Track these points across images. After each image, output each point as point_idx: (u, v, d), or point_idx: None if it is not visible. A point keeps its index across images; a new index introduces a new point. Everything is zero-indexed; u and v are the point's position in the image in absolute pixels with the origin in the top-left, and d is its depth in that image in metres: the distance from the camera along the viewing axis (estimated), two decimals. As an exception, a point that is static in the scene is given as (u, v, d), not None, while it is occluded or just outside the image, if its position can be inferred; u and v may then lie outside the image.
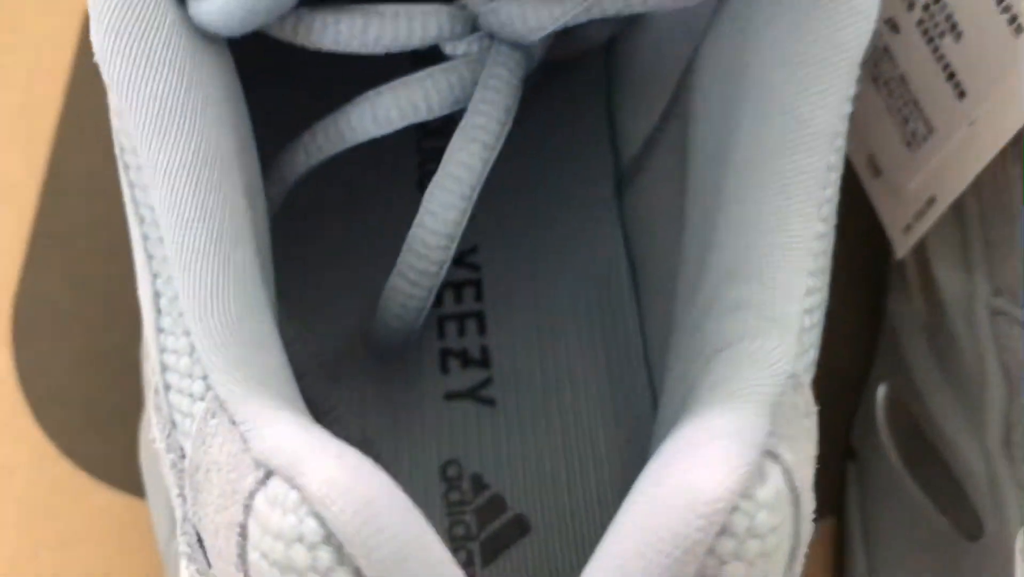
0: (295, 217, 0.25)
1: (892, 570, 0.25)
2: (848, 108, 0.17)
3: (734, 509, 0.12)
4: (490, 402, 0.24)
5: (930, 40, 0.23)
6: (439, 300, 0.25)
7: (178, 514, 0.16)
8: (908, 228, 0.25)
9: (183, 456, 0.15)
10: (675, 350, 0.19)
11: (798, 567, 0.14)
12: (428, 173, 0.25)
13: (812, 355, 0.17)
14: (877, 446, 0.26)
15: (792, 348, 0.16)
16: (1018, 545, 0.20)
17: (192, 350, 0.16)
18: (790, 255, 0.16)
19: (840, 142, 0.17)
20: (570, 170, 0.26)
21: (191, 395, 0.16)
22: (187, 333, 0.16)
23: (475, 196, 0.19)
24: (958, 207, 0.25)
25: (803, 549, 0.14)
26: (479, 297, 0.25)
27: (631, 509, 0.13)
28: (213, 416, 0.15)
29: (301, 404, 0.16)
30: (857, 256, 0.29)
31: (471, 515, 0.23)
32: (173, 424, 0.16)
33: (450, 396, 0.24)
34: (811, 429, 0.16)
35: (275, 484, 0.13)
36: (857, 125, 0.27)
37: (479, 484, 0.23)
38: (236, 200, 0.17)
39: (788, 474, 0.14)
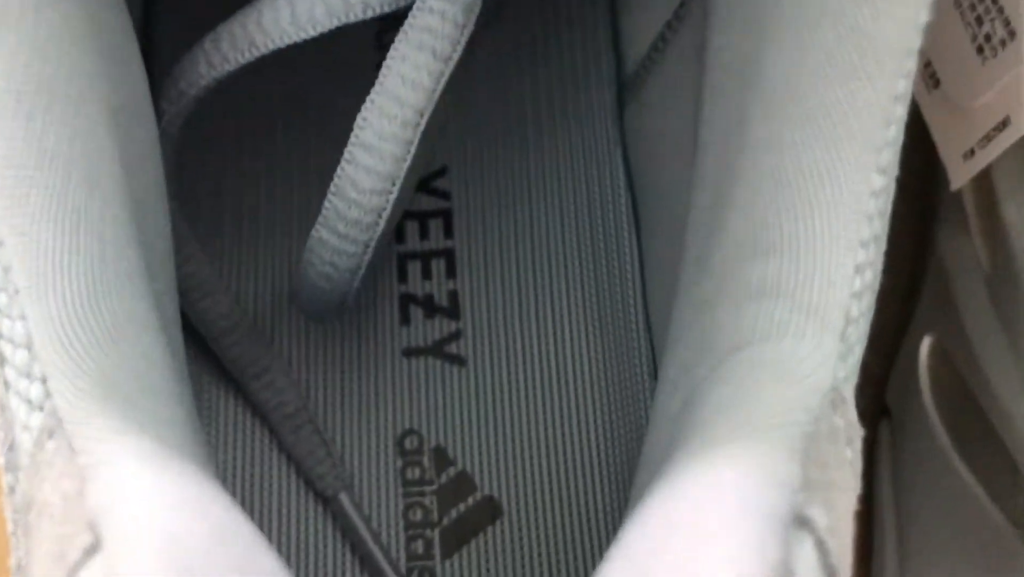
0: (211, 143, 0.20)
1: (925, 551, 0.22)
2: (926, 16, 0.12)
3: None
4: (459, 360, 0.20)
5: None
6: (400, 235, 0.21)
7: (12, 561, 0.12)
8: (970, 154, 0.21)
9: (14, 486, 0.12)
10: (679, 324, 0.15)
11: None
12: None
13: (858, 354, 0.12)
14: (917, 409, 0.22)
15: (833, 351, 0.12)
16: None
17: (30, 341, 0.12)
18: (836, 219, 0.12)
19: (912, 64, 0.12)
20: (562, 76, 0.21)
21: (29, 401, 0.12)
22: (23, 317, 0.12)
23: (423, 123, 0.14)
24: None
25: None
26: (448, 232, 0.21)
27: None
28: (51, 436, 0.11)
29: (183, 414, 0.12)
30: (904, 184, 0.24)
31: (432, 497, 0.19)
32: (13, 438, 0.12)
33: (411, 352, 0.20)
34: (854, 461, 0.12)
35: (101, 562, 0.10)
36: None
37: (443, 459, 0.19)
38: (94, 131, 0.13)
39: (822, 547, 0.10)
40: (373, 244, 0.15)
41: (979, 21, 0.20)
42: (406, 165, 0.14)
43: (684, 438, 0.12)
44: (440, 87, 0.14)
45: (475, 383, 0.20)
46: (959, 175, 0.21)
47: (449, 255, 0.21)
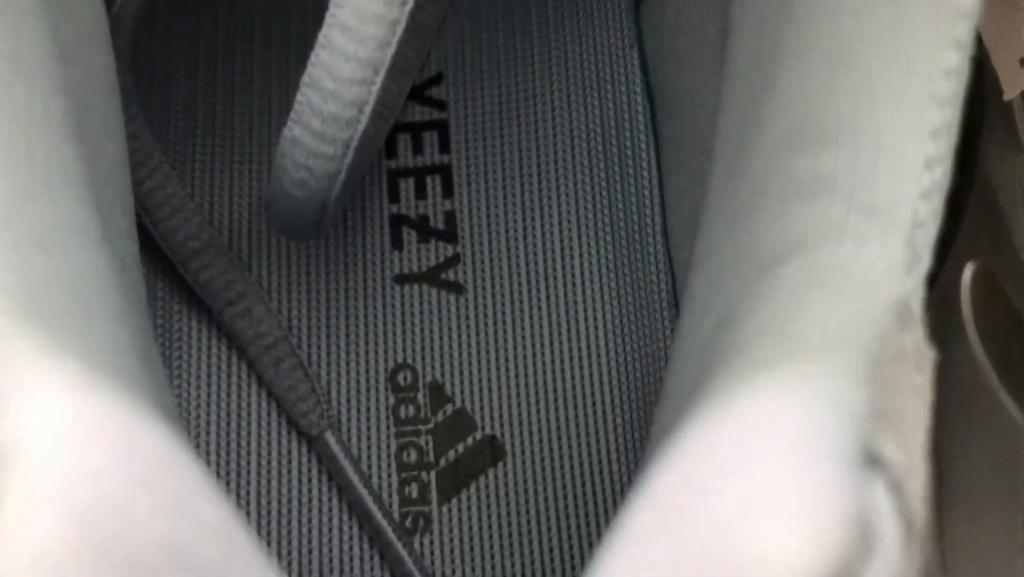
0: (182, 53, 0.18)
1: (965, 496, 0.20)
2: None
3: None
4: (456, 288, 0.18)
5: None
6: (390, 150, 0.19)
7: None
8: (1028, 57, 0.19)
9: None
10: (708, 238, 0.13)
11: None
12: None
13: (926, 263, 0.11)
14: (959, 339, 0.21)
15: (900, 257, 0.10)
16: None
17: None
18: (903, 103, 0.10)
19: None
20: (570, -29, 0.19)
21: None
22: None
23: (411, 2, 0.12)
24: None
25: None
26: (444, 146, 0.19)
27: (620, 551, 0.08)
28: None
29: (126, 337, 0.11)
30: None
31: (427, 436, 0.17)
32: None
33: (403, 279, 0.18)
34: (924, 389, 0.10)
35: (8, 512, 0.08)
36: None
37: (439, 396, 0.17)
38: (17, 2, 0.10)
39: (898, 489, 0.08)
40: (354, 145, 0.13)
41: (1044, -99, 0.18)
42: (391, 51, 0.12)
43: (720, 365, 0.10)
44: (430, -41, 0.12)
45: (475, 313, 0.18)
46: (1013, 84, 0.19)
47: (445, 171, 0.19)
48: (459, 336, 0.18)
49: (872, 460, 0.08)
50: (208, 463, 0.17)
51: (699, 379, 0.10)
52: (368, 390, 0.17)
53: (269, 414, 0.17)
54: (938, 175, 0.11)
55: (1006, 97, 0.19)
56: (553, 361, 0.18)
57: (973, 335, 0.20)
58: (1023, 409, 0.19)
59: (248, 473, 0.17)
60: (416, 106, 0.19)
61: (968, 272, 0.21)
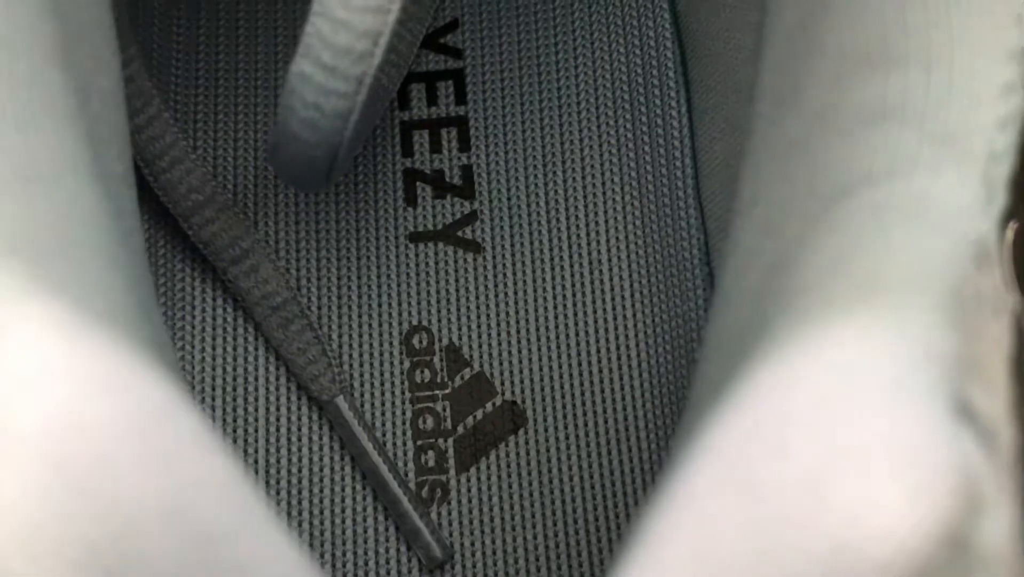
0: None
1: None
2: None
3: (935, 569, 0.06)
4: (474, 246, 0.17)
5: None
6: (404, 99, 0.18)
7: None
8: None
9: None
10: (754, 181, 0.12)
11: None
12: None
13: (1002, 201, 0.10)
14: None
15: (978, 191, 0.09)
16: None
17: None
18: (980, 20, 0.09)
19: None
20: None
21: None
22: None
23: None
24: None
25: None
26: (460, 97, 0.18)
27: (695, 517, 0.07)
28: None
29: (120, 280, 0.10)
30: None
31: (444, 402, 0.16)
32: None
33: (418, 237, 0.17)
34: (1003, 339, 0.09)
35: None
36: None
37: (457, 360, 0.17)
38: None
39: (991, 445, 0.07)
40: (368, 82, 0.12)
41: None
42: (409, -23, 0.11)
43: (780, 311, 0.09)
44: None
45: (493, 272, 0.17)
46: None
47: (462, 124, 0.18)
48: (477, 297, 0.17)
49: (964, 410, 0.07)
50: (214, 427, 0.16)
51: (752, 329, 0.09)
52: (382, 353, 0.17)
53: (278, 378, 0.16)
54: (1015, 104, 0.10)
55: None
56: (576, 323, 0.17)
57: (1018, 306, 0.19)
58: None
59: (256, 441, 0.16)
60: (430, 54, 0.18)
61: (1010, 233, 0.20)
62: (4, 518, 0.06)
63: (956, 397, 0.07)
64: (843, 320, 0.07)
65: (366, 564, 0.16)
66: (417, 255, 0.17)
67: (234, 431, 0.16)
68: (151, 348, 0.10)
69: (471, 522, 0.16)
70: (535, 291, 0.17)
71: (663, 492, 0.07)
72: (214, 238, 0.16)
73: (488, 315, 0.17)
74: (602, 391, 0.16)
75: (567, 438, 0.16)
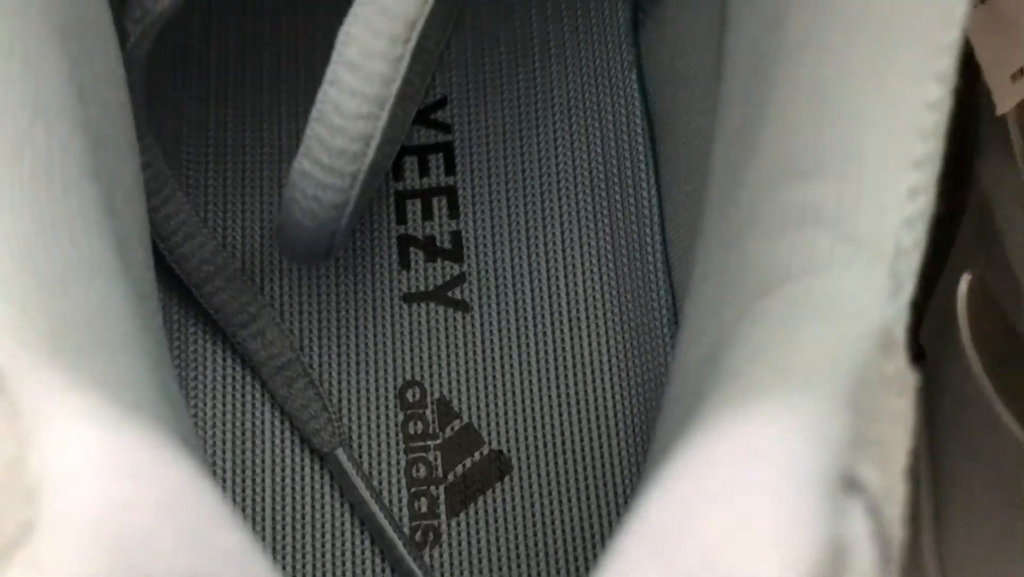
0: (193, 76, 0.19)
1: (962, 506, 0.20)
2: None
3: None
4: (463, 306, 0.18)
5: None
6: (397, 172, 0.19)
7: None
8: (1020, 75, 0.19)
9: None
10: (703, 261, 0.13)
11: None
12: None
13: (909, 291, 0.11)
14: (955, 350, 0.21)
15: (883, 286, 0.10)
16: None
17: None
18: (886, 134, 0.11)
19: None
20: (570, -4, 0.20)
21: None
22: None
23: (415, 39, 0.13)
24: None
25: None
26: (450, 168, 0.19)
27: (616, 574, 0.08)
28: (-9, 393, 0.10)
29: (144, 368, 0.11)
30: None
31: (436, 452, 0.18)
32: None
33: (411, 298, 0.19)
34: (906, 413, 0.10)
35: (43, 541, 0.08)
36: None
37: (447, 412, 0.18)
38: (36, 49, 0.11)
39: (876, 514, 0.08)
40: (362, 177, 0.13)
41: (1032, -77, 0.18)
42: (396, 87, 0.13)
43: (712, 389, 0.10)
44: (432, -3, 0.13)
45: (480, 330, 0.18)
46: (1006, 99, 0.20)
47: (451, 193, 0.19)
48: (466, 353, 0.18)
49: (851, 485, 0.08)
50: (224, 480, 0.17)
51: (693, 402, 0.11)
52: (378, 407, 0.18)
53: (283, 432, 0.18)
54: (921, 204, 0.11)
55: (998, 112, 0.20)
56: (558, 377, 0.18)
57: (969, 346, 0.20)
58: (1018, 419, 0.19)
59: (263, 489, 0.17)
60: (422, 129, 0.20)
61: (964, 284, 0.21)
62: None
63: (843, 474, 0.08)
64: (756, 405, 0.09)
65: (365, 603, 0.17)
66: (410, 315, 0.19)
67: (243, 481, 0.17)
68: (173, 428, 0.11)
69: (461, 564, 0.17)
70: (519, 348, 0.18)
71: (604, 559, 0.08)
72: (224, 304, 0.17)
73: (476, 370, 0.18)
74: (580, 441, 0.18)
75: (549, 485, 0.18)
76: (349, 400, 0.18)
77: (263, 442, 0.18)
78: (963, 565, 0.20)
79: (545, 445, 0.18)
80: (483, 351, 0.18)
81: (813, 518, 0.07)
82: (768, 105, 0.12)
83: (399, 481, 0.18)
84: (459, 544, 0.17)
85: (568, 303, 0.18)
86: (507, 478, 0.18)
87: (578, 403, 0.18)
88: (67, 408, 0.09)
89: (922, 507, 0.20)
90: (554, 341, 0.18)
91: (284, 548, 0.17)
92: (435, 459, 0.18)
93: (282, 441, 0.18)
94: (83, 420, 0.09)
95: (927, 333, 0.22)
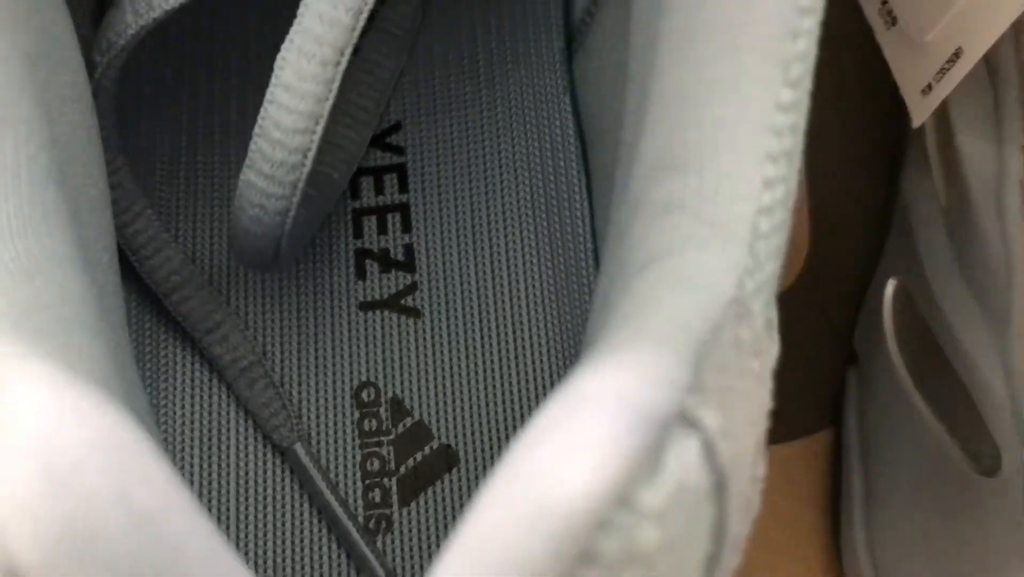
0: (167, 100, 0.20)
1: (890, 497, 0.21)
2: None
3: (601, 525, 0.09)
4: (415, 312, 0.20)
5: None
6: (355, 191, 0.21)
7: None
8: (928, 89, 0.21)
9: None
10: (605, 260, 0.15)
11: (724, 572, 0.10)
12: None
13: (770, 269, 0.12)
14: (882, 352, 0.22)
15: (738, 262, 0.12)
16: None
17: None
18: (740, 133, 0.12)
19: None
20: (513, 27, 0.21)
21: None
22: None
23: (345, 61, 0.14)
24: (991, 62, 0.20)
25: (735, 545, 0.10)
26: (403, 186, 0.21)
27: (477, 512, 0.09)
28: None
29: (102, 348, 0.13)
30: (870, 126, 0.24)
31: (389, 447, 0.19)
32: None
33: (367, 306, 0.20)
34: (762, 373, 0.12)
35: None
36: (867, -38, 0.22)
37: (399, 410, 0.19)
38: (5, 73, 0.13)
39: (709, 448, 0.10)
40: (301, 185, 0.15)
41: (926, -47, 0.20)
42: (328, 104, 0.14)
43: (591, 350, 0.12)
44: (361, 23, 0.14)
45: (431, 334, 0.20)
46: (919, 111, 0.21)
47: (404, 209, 0.21)
48: (417, 356, 0.20)
49: (689, 422, 0.10)
50: (192, 473, 0.19)
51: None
52: (335, 406, 0.19)
53: (246, 429, 0.19)
54: (780, 194, 0.13)
55: (914, 124, 0.21)
56: (501, 376, 0.19)
57: (893, 346, 0.22)
58: (934, 412, 0.20)
59: (228, 482, 0.19)
60: (378, 152, 0.21)
61: (889, 288, 0.22)
62: (7, 501, 0.09)
63: (680, 413, 0.10)
64: (610, 359, 0.10)
65: (321, 586, 0.18)
66: (366, 321, 0.20)
67: (209, 474, 0.19)
68: (125, 401, 0.13)
69: (412, 549, 0.19)
70: (466, 350, 0.20)
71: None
72: (191, 312, 0.19)
73: (426, 371, 0.20)
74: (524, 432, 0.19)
75: (492, 475, 0.19)
76: (308, 400, 0.19)
77: (228, 438, 0.19)
78: (892, 550, 0.21)
79: (490, 439, 0.19)
80: (433, 354, 0.20)
81: (625, 434, 0.09)
82: (647, 114, 0.13)
83: (354, 474, 0.19)
84: (410, 531, 0.19)
85: (511, 309, 0.20)
86: (454, 470, 0.19)
87: (520, 400, 0.19)
88: (23, 372, 0.11)
89: (854, 496, 0.22)
90: (498, 343, 0.20)
91: (248, 536, 0.18)
92: (388, 453, 0.19)
93: (246, 438, 0.19)
94: (37, 381, 0.11)
95: (859, 338, 0.24)
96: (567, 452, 0.09)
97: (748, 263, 0.12)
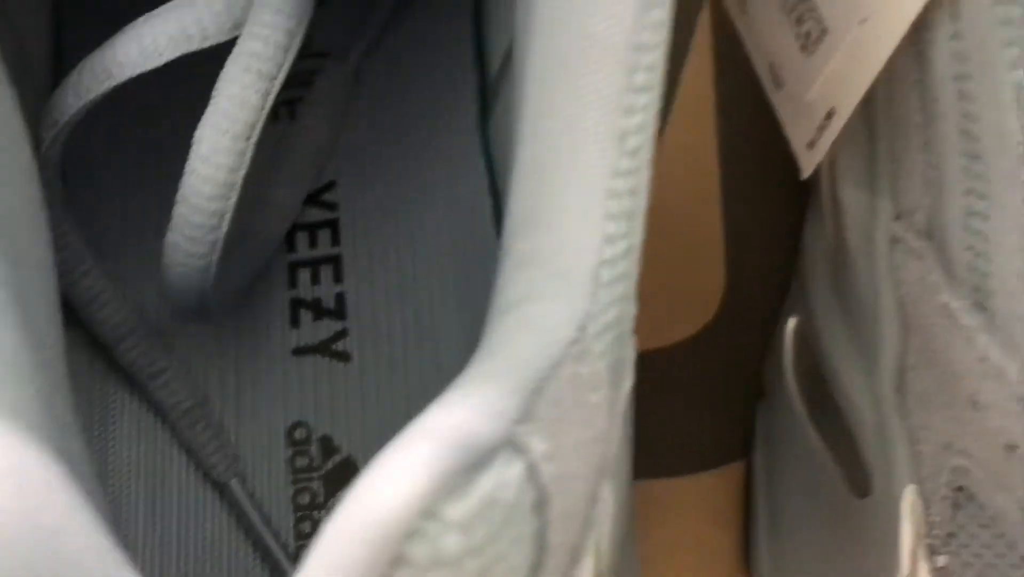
0: (115, 162, 0.22)
1: (791, 520, 0.23)
2: (661, 14, 0.14)
3: (410, 534, 0.10)
4: (344, 356, 0.22)
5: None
6: (290, 245, 0.23)
7: None
8: (812, 144, 0.23)
9: None
10: (489, 307, 0.16)
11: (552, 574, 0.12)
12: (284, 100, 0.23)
13: (614, 314, 0.14)
14: (784, 387, 0.24)
15: (579, 308, 0.14)
16: (904, 505, 0.18)
17: None
18: (582, 196, 0.14)
19: (651, 58, 0.14)
20: (433, 94, 0.23)
21: None
22: None
23: (256, 135, 0.16)
24: (868, 118, 0.22)
25: (557, 558, 0.12)
26: (335, 240, 0.23)
27: (327, 527, 0.11)
28: None
29: (31, 393, 0.14)
30: (781, 179, 0.26)
31: (319, 482, 0.21)
32: None
33: (300, 351, 0.22)
34: (600, 404, 0.13)
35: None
36: (757, 29, 0.24)
37: (329, 448, 0.21)
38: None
39: (532, 469, 0.12)
40: (219, 244, 0.17)
41: (799, 21, 0.22)
42: (241, 173, 0.16)
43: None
44: (269, 103, 0.16)
45: (359, 377, 0.22)
46: (806, 164, 0.23)
47: (337, 261, 0.23)
48: (346, 397, 0.21)
49: (515, 448, 0.12)
50: (138, 507, 0.20)
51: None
52: (269, 445, 0.21)
53: (188, 468, 0.21)
54: (622, 248, 0.14)
55: (802, 176, 0.23)
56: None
57: (791, 380, 0.23)
58: (824, 442, 0.22)
59: (172, 514, 0.21)
60: (313, 209, 0.23)
61: (789, 326, 0.24)
62: None
63: (508, 439, 0.11)
64: (452, 397, 0.12)
65: (254, 611, 0.20)
66: (299, 365, 0.22)
67: (154, 507, 0.20)
68: (51, 441, 0.14)
69: None
70: (392, 391, 0.21)
71: None
72: (136, 360, 0.21)
73: (354, 411, 0.21)
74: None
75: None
76: (244, 439, 0.21)
77: (171, 476, 0.21)
78: (791, 566, 0.22)
79: (412, 472, 0.21)
80: (361, 395, 0.21)
81: (438, 460, 0.11)
82: (512, 177, 0.15)
83: (287, 507, 0.21)
84: (337, 559, 0.20)
85: (434, 354, 0.22)
86: (379, 501, 0.21)
87: (437, 435, 0.21)
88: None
89: (759, 518, 0.23)
90: (421, 383, 0.21)
91: (188, 565, 0.20)
92: (318, 488, 0.21)
93: (187, 475, 0.21)
94: None
95: (767, 374, 0.25)
96: (389, 474, 0.10)
97: (590, 309, 0.14)
